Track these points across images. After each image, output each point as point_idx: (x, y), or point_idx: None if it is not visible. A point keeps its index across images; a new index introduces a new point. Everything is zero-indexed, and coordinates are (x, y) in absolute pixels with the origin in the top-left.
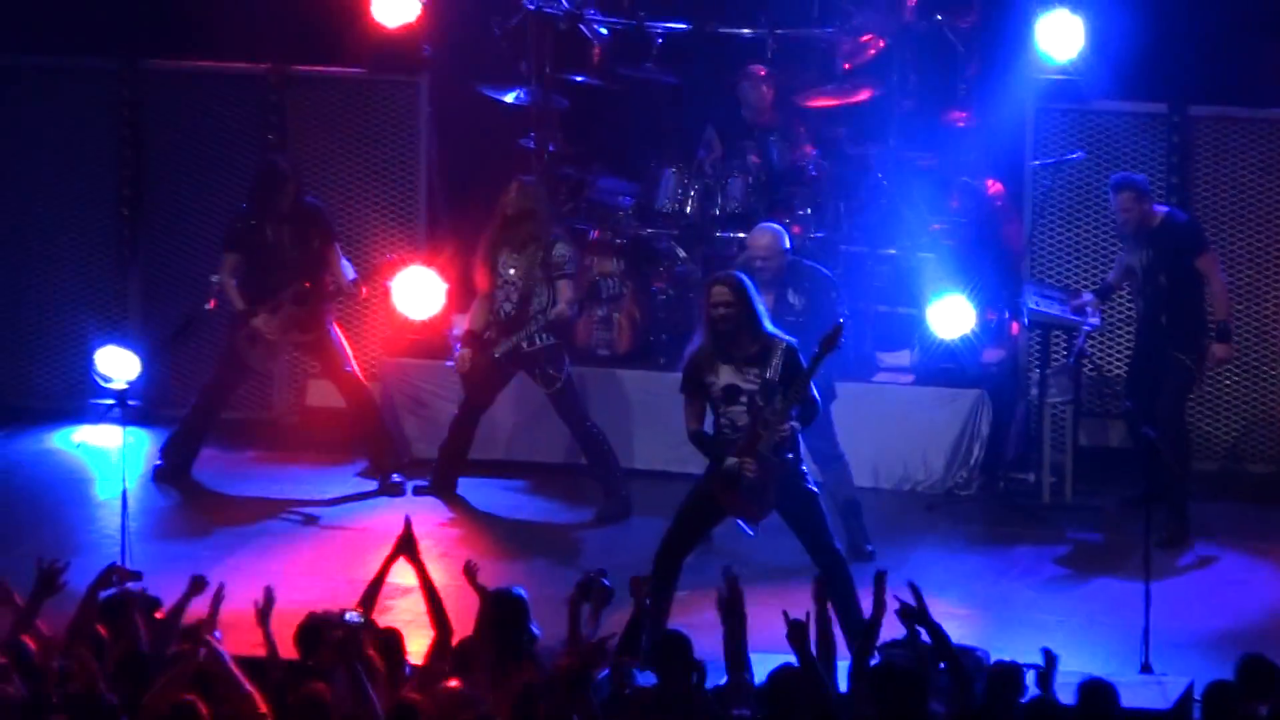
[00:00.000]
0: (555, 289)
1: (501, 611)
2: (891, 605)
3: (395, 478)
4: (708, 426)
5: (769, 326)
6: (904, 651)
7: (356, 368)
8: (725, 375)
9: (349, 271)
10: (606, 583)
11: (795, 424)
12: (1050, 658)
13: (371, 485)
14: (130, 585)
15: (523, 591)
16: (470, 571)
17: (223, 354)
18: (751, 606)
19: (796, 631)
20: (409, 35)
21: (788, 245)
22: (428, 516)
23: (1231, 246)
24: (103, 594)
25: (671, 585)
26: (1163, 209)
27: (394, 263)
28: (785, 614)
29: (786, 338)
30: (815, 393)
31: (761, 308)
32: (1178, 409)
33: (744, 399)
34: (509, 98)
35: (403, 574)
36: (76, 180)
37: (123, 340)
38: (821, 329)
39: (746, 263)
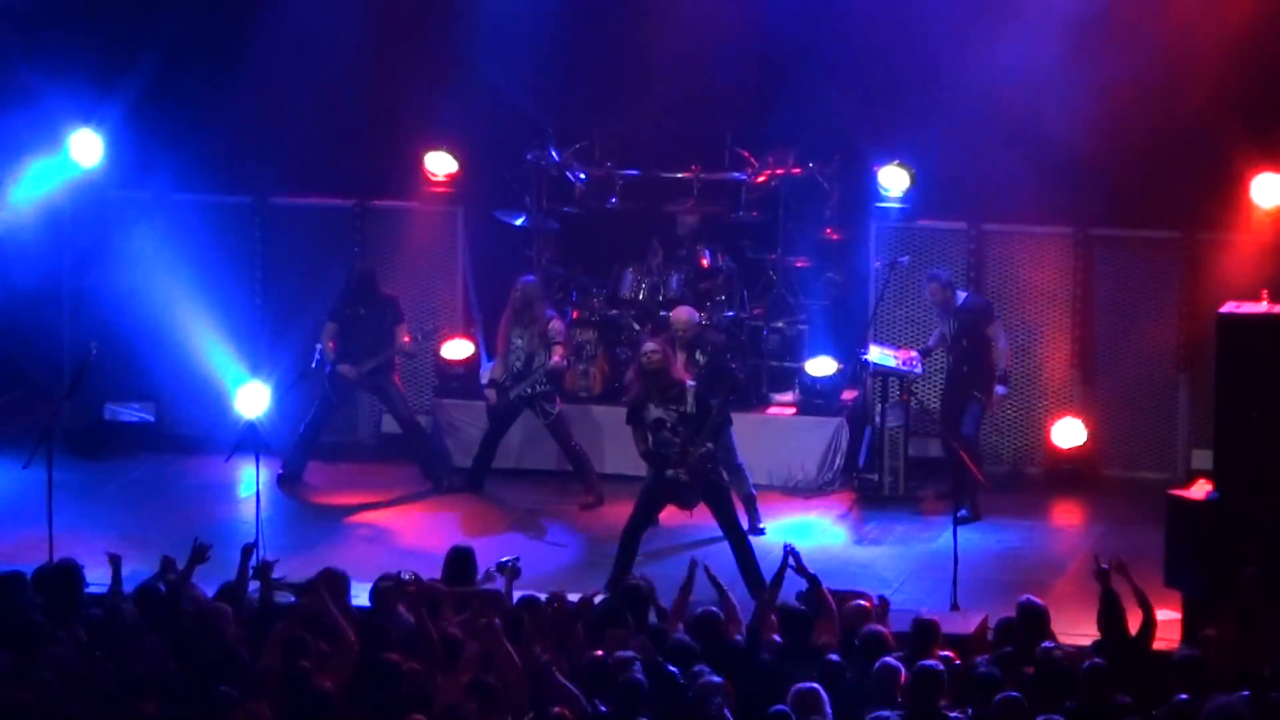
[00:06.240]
0: (550, 351)
1: (456, 562)
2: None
3: (445, 483)
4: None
5: (680, 375)
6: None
7: (411, 409)
8: (654, 411)
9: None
10: (520, 564)
11: (710, 446)
12: (789, 552)
13: (427, 487)
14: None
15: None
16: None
17: (320, 395)
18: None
19: (705, 573)
20: (450, 181)
21: (699, 320)
22: (463, 506)
23: (1010, 319)
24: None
25: (633, 554)
26: (964, 293)
27: (442, 337)
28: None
29: (691, 383)
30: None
31: (674, 361)
32: (974, 430)
33: (668, 426)
34: (517, 222)
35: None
36: (223, 283)
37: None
38: (717, 378)
39: (671, 331)
